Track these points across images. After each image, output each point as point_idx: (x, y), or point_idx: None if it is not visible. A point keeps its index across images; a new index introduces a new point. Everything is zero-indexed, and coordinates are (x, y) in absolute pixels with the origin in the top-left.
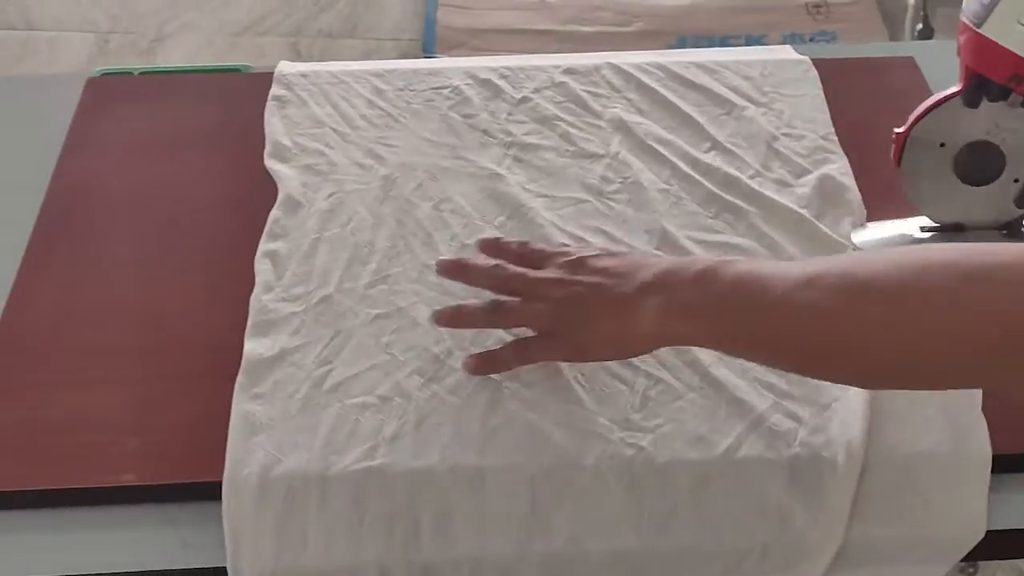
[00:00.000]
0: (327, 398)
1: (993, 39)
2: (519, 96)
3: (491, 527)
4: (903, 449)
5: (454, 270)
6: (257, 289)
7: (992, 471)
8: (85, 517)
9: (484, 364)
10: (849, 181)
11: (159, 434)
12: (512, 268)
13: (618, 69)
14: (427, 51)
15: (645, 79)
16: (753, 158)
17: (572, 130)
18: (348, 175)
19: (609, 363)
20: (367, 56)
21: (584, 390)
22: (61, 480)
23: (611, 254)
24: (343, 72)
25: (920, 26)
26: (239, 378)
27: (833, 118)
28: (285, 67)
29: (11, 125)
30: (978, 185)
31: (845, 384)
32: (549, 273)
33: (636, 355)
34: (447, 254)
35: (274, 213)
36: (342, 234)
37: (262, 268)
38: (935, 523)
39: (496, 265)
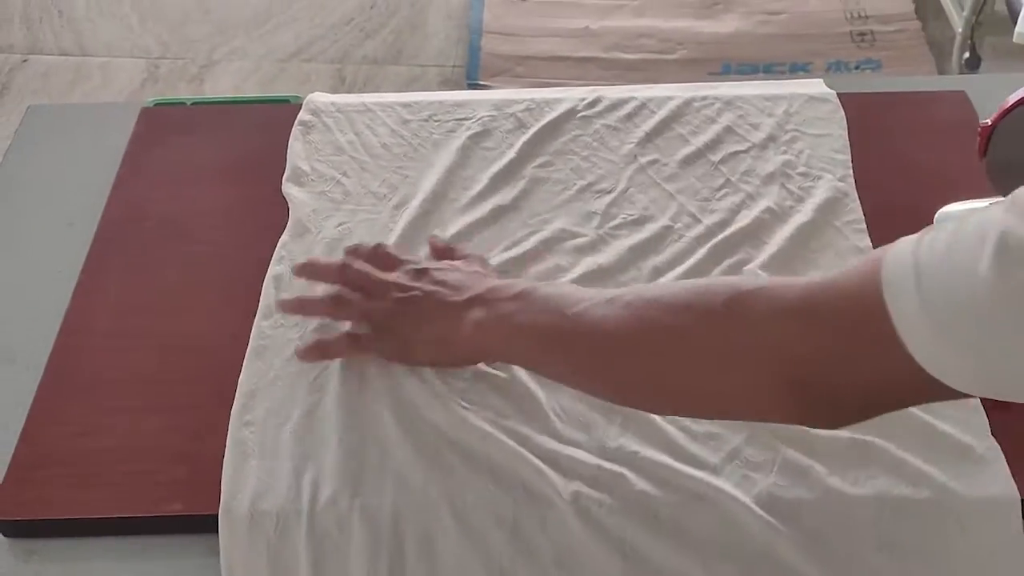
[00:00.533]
0: (319, 426)
1: None
2: (538, 128)
3: (473, 552)
4: (913, 490)
5: (307, 270)
6: (258, 314)
7: None
8: (131, 545)
9: (315, 351)
10: (859, 235)
11: (206, 463)
12: (360, 266)
13: (642, 104)
14: (471, 78)
15: (666, 114)
16: (766, 198)
17: (584, 164)
18: (360, 205)
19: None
20: (411, 82)
21: (560, 420)
22: (111, 508)
23: (454, 269)
24: (373, 102)
25: (967, 55)
26: (234, 404)
27: (881, 154)
28: (317, 96)
29: (67, 152)
30: None
31: (647, 410)
32: (394, 277)
33: (459, 364)
34: None
35: (283, 238)
36: None
37: (266, 293)
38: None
39: (344, 264)
